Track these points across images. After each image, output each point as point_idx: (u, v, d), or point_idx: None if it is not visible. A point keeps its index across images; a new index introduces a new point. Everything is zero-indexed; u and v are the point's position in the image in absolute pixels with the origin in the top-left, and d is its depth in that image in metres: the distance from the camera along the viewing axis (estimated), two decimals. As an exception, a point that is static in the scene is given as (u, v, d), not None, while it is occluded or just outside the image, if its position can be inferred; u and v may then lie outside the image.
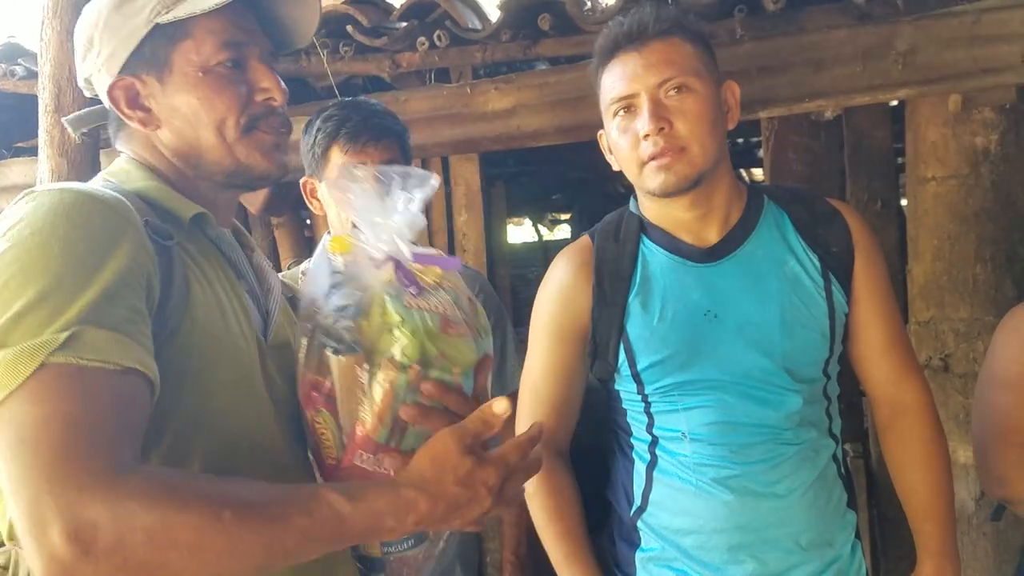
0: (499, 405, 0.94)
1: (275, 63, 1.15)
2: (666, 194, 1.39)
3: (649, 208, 1.50)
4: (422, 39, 2.37)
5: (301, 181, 1.88)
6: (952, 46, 1.86)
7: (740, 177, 2.44)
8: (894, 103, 2.39)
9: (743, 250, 1.45)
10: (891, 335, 1.48)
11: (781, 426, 1.40)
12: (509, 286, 3.06)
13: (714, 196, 1.45)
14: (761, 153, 2.63)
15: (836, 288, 1.44)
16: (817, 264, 1.44)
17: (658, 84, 1.36)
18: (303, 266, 1.94)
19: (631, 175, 1.43)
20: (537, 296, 1.55)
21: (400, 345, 0.97)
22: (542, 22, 2.21)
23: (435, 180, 1.02)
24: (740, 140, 3.78)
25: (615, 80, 1.39)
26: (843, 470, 1.50)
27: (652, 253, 1.48)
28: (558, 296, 1.52)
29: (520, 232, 5.89)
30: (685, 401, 1.42)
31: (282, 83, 1.13)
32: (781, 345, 1.40)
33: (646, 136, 1.35)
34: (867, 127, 2.36)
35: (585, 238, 1.57)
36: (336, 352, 0.99)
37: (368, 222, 1.01)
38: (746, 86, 2.05)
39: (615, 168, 1.50)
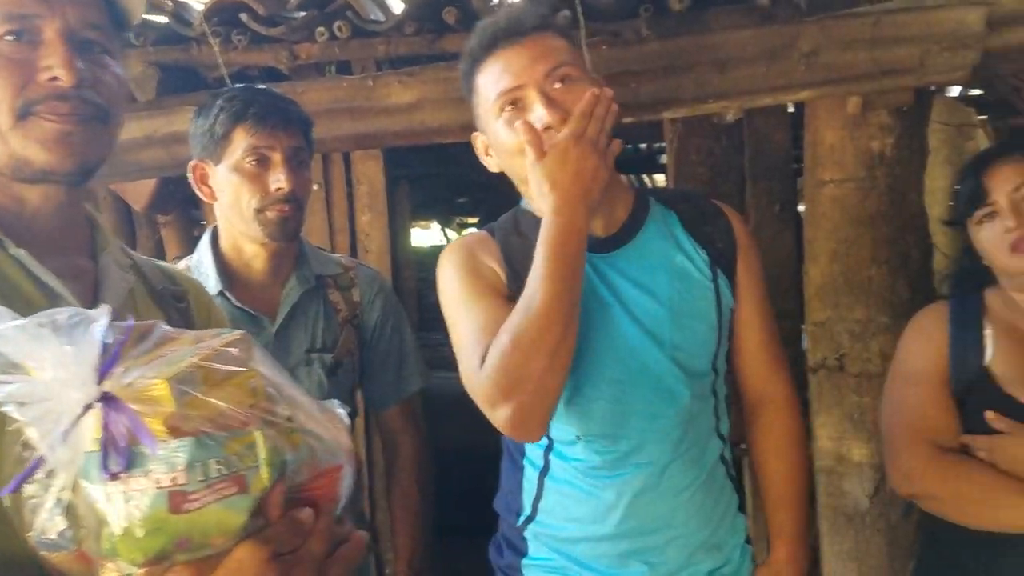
0: (306, 513, 0.76)
1: (90, 37, 0.96)
2: None
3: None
4: (321, 29, 2.21)
5: (191, 165, 1.69)
6: (853, 47, 1.82)
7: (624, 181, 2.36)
8: (791, 109, 2.36)
9: (634, 244, 1.40)
10: (767, 332, 1.48)
11: (673, 424, 1.36)
12: (415, 289, 2.92)
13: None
14: (664, 159, 2.56)
15: (723, 282, 1.42)
16: (705, 258, 1.42)
17: (545, 75, 1.29)
18: (183, 264, 1.74)
19: (521, 173, 1.33)
20: (441, 282, 1.41)
21: (113, 548, 0.70)
22: (447, 16, 2.08)
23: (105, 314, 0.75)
24: (644, 146, 3.74)
25: (498, 75, 1.32)
26: (732, 471, 1.47)
27: None
28: (471, 266, 1.39)
29: (427, 236, 5.74)
30: (579, 399, 1.34)
31: (78, 62, 0.92)
32: (672, 337, 1.35)
33: (547, 128, 1.27)
34: (767, 131, 2.33)
35: (483, 233, 1.48)
36: (42, 547, 0.73)
37: (51, 365, 0.70)
38: (651, 86, 1.98)
39: (494, 170, 1.43)
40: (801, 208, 2.44)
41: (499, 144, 1.35)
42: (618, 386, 1.34)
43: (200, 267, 1.69)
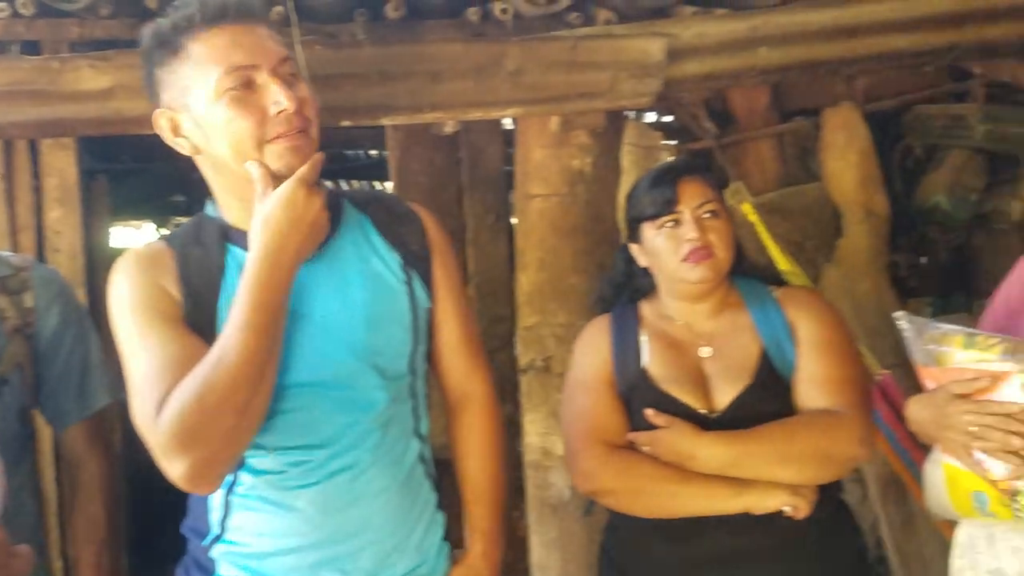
0: None
1: None
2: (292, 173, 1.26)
3: (235, 207, 1.31)
4: (3, 5, 1.94)
5: None
6: (554, 69, 1.92)
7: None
8: (511, 125, 2.45)
9: (327, 249, 1.34)
10: (464, 331, 1.48)
11: (369, 428, 1.32)
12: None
13: None
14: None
15: (418, 284, 1.40)
16: (399, 261, 1.39)
17: (279, 62, 1.23)
18: None
19: (244, 157, 1.23)
20: (111, 305, 1.26)
21: None
22: (149, 0, 1.90)
23: None
24: (374, 152, 3.70)
25: (226, 48, 1.20)
26: (431, 471, 1.45)
27: (235, 257, 1.30)
28: (143, 289, 1.25)
29: (139, 236, 5.26)
30: (270, 413, 1.26)
31: None
32: (367, 341, 1.32)
33: (281, 111, 1.20)
34: (482, 145, 2.40)
35: (158, 244, 1.34)
36: None
37: None
38: (367, 91, 1.96)
39: (186, 152, 1.28)
40: (514, 220, 2.55)
41: (214, 124, 1.22)
42: (311, 396, 1.29)
43: None
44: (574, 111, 2.00)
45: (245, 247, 1.29)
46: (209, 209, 1.36)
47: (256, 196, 1.20)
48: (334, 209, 1.38)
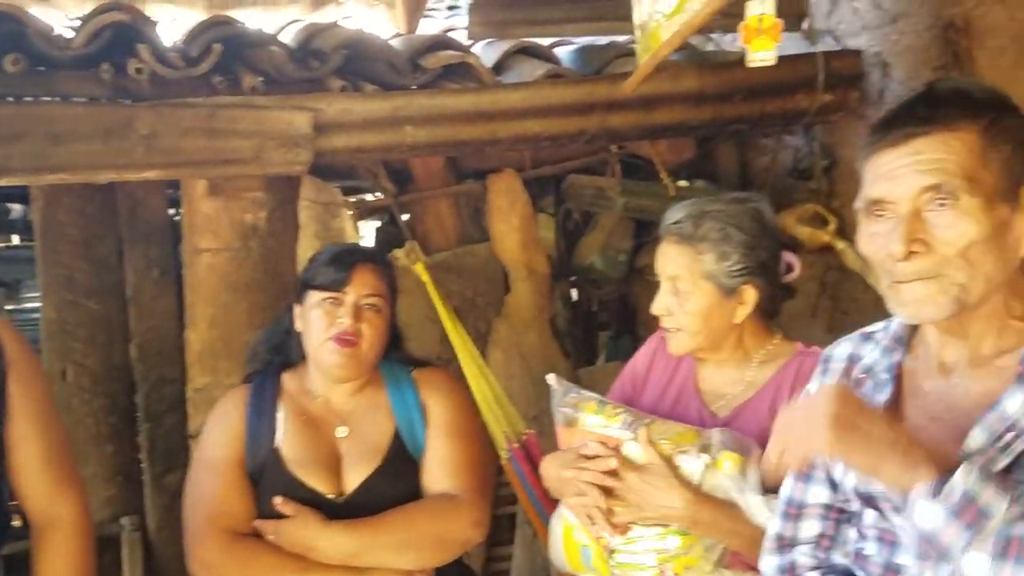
0: None
1: None
2: None
3: None
4: None
5: None
6: (192, 135, 1.81)
7: None
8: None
9: None
10: (47, 450, 1.37)
11: None
12: None
13: None
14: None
15: None
16: None
17: None
18: None
19: None
20: None
21: None
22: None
23: None
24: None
25: None
26: None
27: None
28: None
29: None
30: None
31: None
32: None
33: None
34: (142, 195, 2.21)
35: None
36: None
37: None
38: (-25, 152, 1.72)
39: None
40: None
41: None
42: None
43: None
44: (220, 176, 1.89)
45: None
46: None
47: None
48: None
